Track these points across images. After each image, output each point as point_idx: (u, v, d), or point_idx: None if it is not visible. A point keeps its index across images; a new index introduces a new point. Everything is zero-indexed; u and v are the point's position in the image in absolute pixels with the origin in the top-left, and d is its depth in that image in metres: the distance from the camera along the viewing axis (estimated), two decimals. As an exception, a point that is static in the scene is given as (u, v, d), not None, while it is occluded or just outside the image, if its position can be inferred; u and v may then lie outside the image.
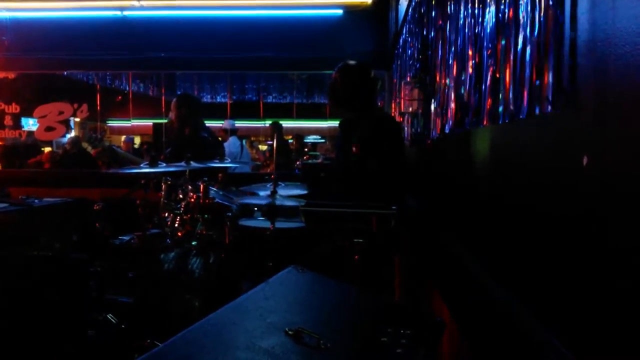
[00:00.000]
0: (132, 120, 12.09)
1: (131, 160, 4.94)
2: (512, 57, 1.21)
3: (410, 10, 3.31)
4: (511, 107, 1.21)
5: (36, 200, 3.71)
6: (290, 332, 1.05)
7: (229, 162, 3.54)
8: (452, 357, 1.84)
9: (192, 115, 3.93)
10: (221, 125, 6.83)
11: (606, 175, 0.83)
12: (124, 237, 3.00)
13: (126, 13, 5.23)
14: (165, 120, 7.78)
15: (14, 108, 5.61)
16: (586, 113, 0.91)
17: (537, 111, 1.06)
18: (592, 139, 0.88)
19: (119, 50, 5.21)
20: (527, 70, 1.11)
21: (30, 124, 6.02)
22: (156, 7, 5.25)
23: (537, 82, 1.06)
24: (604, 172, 0.84)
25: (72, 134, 6.96)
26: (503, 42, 1.29)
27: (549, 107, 1.01)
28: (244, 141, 8.46)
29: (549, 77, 1.01)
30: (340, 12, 5.12)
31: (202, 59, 5.26)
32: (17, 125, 5.67)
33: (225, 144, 5.62)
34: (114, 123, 13.75)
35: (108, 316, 2.68)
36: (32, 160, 6.43)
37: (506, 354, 1.21)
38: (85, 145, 6.25)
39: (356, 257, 2.22)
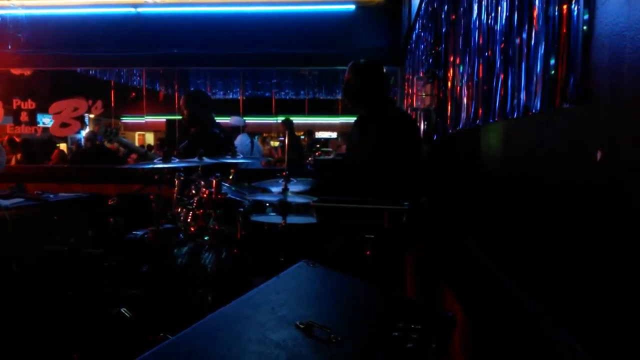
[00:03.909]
0: (146, 117, 12.18)
1: (134, 149, 4.98)
2: (525, 52, 1.20)
3: (423, 4, 3.29)
4: (524, 102, 1.20)
5: (51, 196, 3.76)
6: (301, 326, 1.05)
7: (241, 158, 3.55)
8: (464, 353, 1.84)
9: (202, 112, 3.95)
10: (228, 121, 6.60)
11: (620, 171, 0.82)
12: (138, 232, 3.03)
13: (140, 10, 5.27)
14: (179, 117, 7.80)
15: (30, 104, 5.68)
16: (600, 107, 0.90)
17: (550, 106, 1.05)
18: (606, 134, 0.87)
19: (133, 47, 5.25)
20: (540, 65, 1.10)
21: (45, 123, 6.09)
22: (169, 3, 5.28)
23: (551, 77, 1.05)
24: (618, 167, 0.83)
25: (87, 130, 7.03)
26: (516, 36, 1.28)
27: (563, 102, 1.00)
28: (256, 137, 8.43)
29: (563, 72, 1.00)
30: (352, 7, 5.10)
31: (214, 55, 5.28)
32: (33, 122, 5.74)
33: (236, 143, 5.51)
34: (128, 119, 13.89)
35: (122, 310, 2.72)
36: (51, 164, 6.57)
37: (520, 352, 1.21)
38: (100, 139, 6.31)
39: (367, 252, 2.22)
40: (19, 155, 7.22)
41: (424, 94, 2.85)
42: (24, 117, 5.68)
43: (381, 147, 2.61)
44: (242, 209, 2.82)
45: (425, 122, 3.21)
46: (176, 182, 2.94)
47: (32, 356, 2.84)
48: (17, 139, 7.20)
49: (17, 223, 3.23)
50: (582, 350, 0.89)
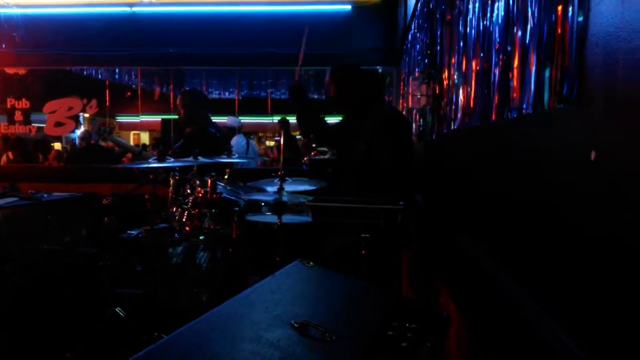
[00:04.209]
0: (141, 116, 12.14)
1: (129, 148, 4.98)
2: (520, 52, 1.21)
3: (418, 5, 3.30)
4: (519, 103, 1.20)
5: (45, 195, 3.74)
6: (295, 325, 1.05)
7: (237, 158, 3.55)
8: (459, 352, 1.84)
9: (199, 111, 3.94)
10: (224, 121, 6.61)
11: (615, 171, 0.83)
12: (133, 232, 3.03)
13: (135, 9, 5.26)
14: (175, 116, 7.78)
15: (24, 104, 5.66)
16: (595, 107, 0.90)
17: (544, 106, 1.06)
18: (601, 134, 0.88)
19: (128, 46, 5.24)
20: (535, 65, 1.11)
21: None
22: (165, 3, 5.27)
23: (545, 77, 1.05)
24: (613, 167, 0.83)
25: (82, 129, 7.01)
26: (511, 36, 1.28)
27: (557, 102, 1.00)
28: (252, 136, 8.39)
29: (557, 72, 1.01)
30: (348, 7, 5.11)
31: (210, 54, 5.27)
32: (27, 121, 5.71)
33: (232, 143, 5.49)
34: (123, 119, 13.85)
35: (116, 309, 2.71)
36: (47, 163, 6.52)
37: (516, 351, 1.21)
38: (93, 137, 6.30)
39: (363, 252, 2.22)
40: (10, 153, 7.18)
41: (419, 94, 2.86)
42: (18, 116, 5.65)
43: (374, 146, 2.62)
44: (237, 209, 2.81)
45: (421, 122, 3.21)
46: (171, 181, 2.94)
47: (25, 355, 2.83)
48: (11, 136, 7.17)
49: (11, 222, 3.21)
50: (579, 350, 0.89)
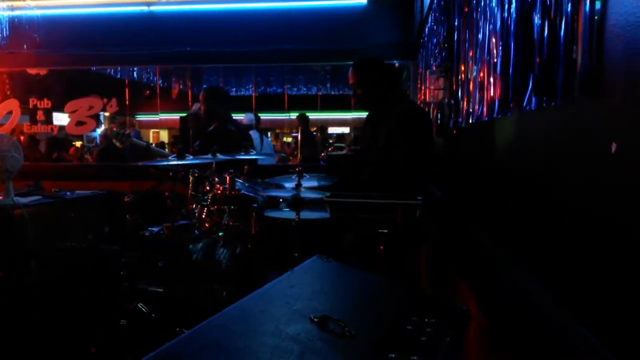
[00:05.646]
0: (160, 114, 12.27)
1: (140, 146, 5.01)
2: (537, 44, 1.19)
3: (435, -2, 3.27)
4: (538, 95, 1.19)
5: (68, 193, 3.81)
6: (315, 319, 1.06)
7: (254, 154, 3.57)
8: (478, 347, 1.83)
9: (220, 108, 3.98)
10: (241, 118, 6.70)
11: (637, 163, 0.81)
12: (154, 229, 3.07)
13: (153, 8, 5.30)
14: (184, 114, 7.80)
15: (46, 103, 5.76)
16: (615, 99, 0.89)
17: (564, 99, 1.05)
18: (621, 126, 0.86)
19: (146, 45, 5.29)
20: (554, 57, 1.09)
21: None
22: (182, 1, 5.31)
23: (564, 69, 1.04)
24: (634, 160, 0.82)
25: (102, 128, 7.09)
26: (529, 28, 1.27)
27: (576, 94, 0.99)
28: (269, 133, 8.43)
29: (576, 64, 0.99)
30: (364, 1, 5.08)
31: (227, 52, 5.30)
32: (49, 120, 5.82)
33: None
34: (142, 117, 14.01)
35: (139, 305, 2.75)
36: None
37: (535, 347, 1.20)
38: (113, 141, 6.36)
39: (381, 247, 2.22)
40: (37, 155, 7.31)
41: (436, 88, 2.84)
42: (40, 116, 5.76)
43: (393, 142, 2.61)
44: (255, 205, 2.83)
45: (439, 116, 3.19)
46: (190, 178, 2.97)
47: (51, 350, 2.90)
48: (37, 137, 7.29)
49: (36, 220, 3.27)
50: (602, 349, 0.88)
